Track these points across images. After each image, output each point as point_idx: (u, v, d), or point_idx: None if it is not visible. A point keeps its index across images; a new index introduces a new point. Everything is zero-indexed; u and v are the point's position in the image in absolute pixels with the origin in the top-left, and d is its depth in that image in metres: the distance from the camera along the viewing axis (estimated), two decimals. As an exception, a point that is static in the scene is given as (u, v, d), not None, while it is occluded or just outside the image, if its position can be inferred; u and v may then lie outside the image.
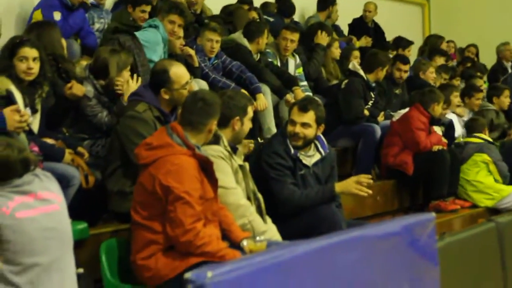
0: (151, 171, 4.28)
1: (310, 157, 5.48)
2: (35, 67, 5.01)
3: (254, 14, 8.82)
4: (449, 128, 8.34)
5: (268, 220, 4.96)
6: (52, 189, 3.87)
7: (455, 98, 8.86)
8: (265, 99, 7.04)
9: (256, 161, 5.34)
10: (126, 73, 5.55)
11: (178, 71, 5.04)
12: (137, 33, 6.61)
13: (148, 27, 6.69)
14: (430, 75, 9.37)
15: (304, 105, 5.46)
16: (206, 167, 4.37)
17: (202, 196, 4.28)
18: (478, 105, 9.39)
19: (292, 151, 5.36)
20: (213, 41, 7.03)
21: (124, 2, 8.16)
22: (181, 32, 6.85)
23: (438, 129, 8.12)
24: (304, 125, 5.36)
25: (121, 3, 8.33)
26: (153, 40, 6.60)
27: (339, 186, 5.28)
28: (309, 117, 5.38)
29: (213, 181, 4.42)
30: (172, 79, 4.98)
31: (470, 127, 8.31)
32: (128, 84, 5.49)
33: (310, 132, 5.40)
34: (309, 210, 5.16)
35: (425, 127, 7.63)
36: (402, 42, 10.53)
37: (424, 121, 7.63)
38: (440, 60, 10.63)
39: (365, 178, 5.28)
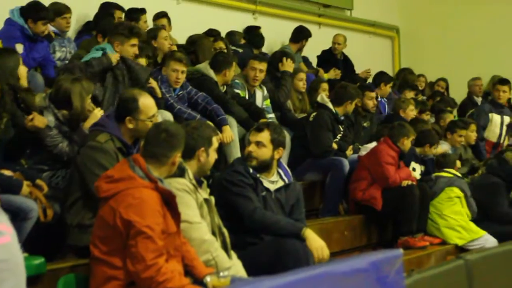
0: (111, 204, 4.24)
1: (273, 183, 5.51)
2: None
3: (221, 44, 8.84)
4: (431, 165, 8.40)
5: (234, 255, 4.93)
6: (2, 221, 3.82)
7: None
8: (231, 131, 7.04)
9: (220, 193, 5.34)
10: (89, 101, 5.53)
11: (147, 102, 5.04)
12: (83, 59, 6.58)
13: (95, 50, 6.62)
14: (410, 113, 9.34)
15: (259, 125, 5.55)
16: (169, 201, 4.34)
17: (165, 231, 4.25)
18: (460, 141, 9.48)
19: (251, 170, 5.38)
20: (178, 71, 7.01)
21: (88, 31, 8.16)
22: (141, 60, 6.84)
23: (418, 168, 8.14)
24: (258, 144, 5.40)
25: (86, 32, 8.32)
26: None
27: (309, 234, 5.20)
28: (263, 136, 5.42)
29: (176, 215, 4.39)
30: (140, 109, 4.97)
31: (442, 163, 8.35)
32: (92, 112, 5.48)
33: (264, 153, 5.42)
34: (273, 243, 5.17)
35: (394, 162, 7.66)
36: (383, 77, 10.56)
37: (393, 155, 7.66)
38: (410, 94, 10.74)
39: (327, 258, 5.20)
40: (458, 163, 8.77)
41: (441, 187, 8.05)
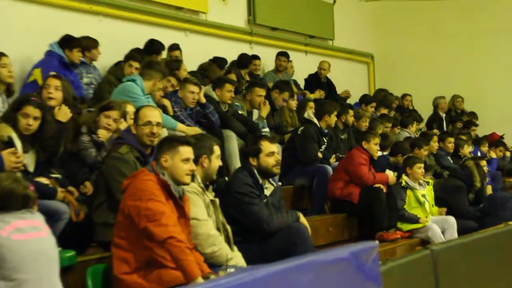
0: (124, 196, 4.35)
1: (267, 189, 5.61)
2: (34, 124, 4.95)
3: (233, 76, 8.88)
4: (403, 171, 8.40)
5: (235, 248, 4.97)
6: (40, 220, 3.94)
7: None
8: None
9: (233, 205, 5.40)
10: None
11: (145, 111, 5.19)
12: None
13: (127, 81, 6.57)
14: (363, 124, 9.39)
15: (271, 137, 5.77)
16: (168, 191, 4.39)
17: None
18: (451, 148, 9.80)
19: (260, 180, 5.50)
20: (194, 93, 7.10)
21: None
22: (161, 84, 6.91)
23: (391, 174, 8.09)
24: (279, 153, 5.64)
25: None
26: (135, 91, 6.48)
27: (301, 215, 5.58)
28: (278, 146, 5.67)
29: (179, 208, 4.42)
30: (138, 116, 5.15)
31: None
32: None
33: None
34: (283, 229, 5.34)
35: (366, 163, 7.67)
36: (366, 98, 10.89)
37: (365, 158, 7.69)
38: (384, 111, 10.83)
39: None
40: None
41: None
